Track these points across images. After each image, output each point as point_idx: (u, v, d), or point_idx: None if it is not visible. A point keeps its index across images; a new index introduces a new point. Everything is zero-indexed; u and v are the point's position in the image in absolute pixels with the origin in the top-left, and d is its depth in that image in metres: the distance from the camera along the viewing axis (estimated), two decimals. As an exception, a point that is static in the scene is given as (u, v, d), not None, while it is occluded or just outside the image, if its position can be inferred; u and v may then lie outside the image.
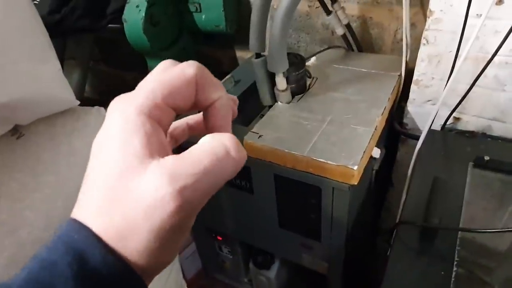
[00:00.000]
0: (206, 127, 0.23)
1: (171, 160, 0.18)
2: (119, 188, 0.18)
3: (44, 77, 0.43)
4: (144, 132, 0.19)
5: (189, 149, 0.19)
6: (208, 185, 0.19)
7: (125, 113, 0.19)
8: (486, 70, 0.63)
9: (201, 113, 0.25)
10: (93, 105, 0.54)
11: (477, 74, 0.64)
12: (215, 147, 0.19)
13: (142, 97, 0.20)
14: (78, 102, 0.49)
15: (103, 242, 0.18)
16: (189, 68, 0.21)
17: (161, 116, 0.20)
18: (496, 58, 0.61)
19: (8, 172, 0.41)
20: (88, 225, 0.18)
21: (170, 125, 0.21)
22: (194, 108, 0.22)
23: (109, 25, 1.01)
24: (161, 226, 0.18)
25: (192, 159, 0.19)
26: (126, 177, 0.18)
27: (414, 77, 0.74)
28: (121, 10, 0.93)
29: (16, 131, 0.43)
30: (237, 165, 0.20)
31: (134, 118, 0.19)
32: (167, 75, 0.20)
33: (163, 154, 0.19)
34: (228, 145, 0.19)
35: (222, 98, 0.22)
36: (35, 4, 0.92)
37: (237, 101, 0.25)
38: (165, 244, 0.18)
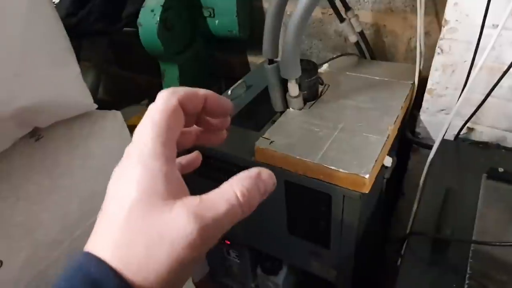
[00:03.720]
0: (215, 118, 0.27)
1: (195, 201, 0.21)
2: (143, 224, 0.20)
3: (64, 81, 0.43)
4: (164, 175, 0.21)
5: (210, 193, 0.22)
6: (224, 226, 0.22)
7: (142, 159, 0.21)
8: (501, 81, 0.62)
9: (193, 153, 0.30)
10: (106, 107, 0.54)
11: (492, 84, 0.63)
12: (230, 195, 0.22)
13: (151, 142, 0.22)
14: (96, 106, 0.50)
15: (119, 274, 0.19)
16: (170, 99, 0.23)
17: (170, 154, 0.22)
18: (512, 68, 0.60)
19: (26, 174, 0.42)
20: (105, 259, 0.19)
21: (175, 157, 0.23)
22: (188, 124, 0.26)
23: (124, 28, 1.02)
24: (184, 258, 0.20)
25: (213, 204, 0.21)
26: (150, 215, 0.20)
27: (428, 86, 0.74)
28: (136, 14, 0.95)
29: (35, 133, 0.44)
30: (246, 212, 0.23)
31: (151, 163, 0.21)
32: (156, 115, 0.23)
33: (182, 192, 0.22)
34: (239, 195, 0.22)
35: (209, 93, 0.26)
36: (53, 7, 0.93)
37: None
38: (181, 274, 0.21)
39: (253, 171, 0.24)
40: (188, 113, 0.24)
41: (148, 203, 0.20)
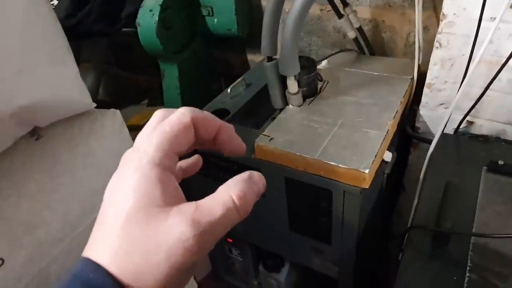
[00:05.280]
0: (226, 153, 0.27)
1: (191, 208, 0.21)
2: (140, 232, 0.20)
3: (63, 80, 0.44)
4: (161, 183, 0.21)
5: (206, 198, 0.22)
6: (220, 230, 0.22)
7: (141, 166, 0.22)
8: (500, 74, 0.62)
9: (193, 157, 0.30)
10: (106, 107, 0.55)
11: (491, 78, 0.63)
12: (226, 200, 0.22)
13: (153, 151, 0.22)
14: (95, 105, 0.50)
15: (118, 281, 0.20)
16: (185, 115, 0.23)
17: (170, 163, 0.23)
18: (510, 61, 0.60)
19: (27, 172, 0.43)
20: (104, 265, 0.20)
21: (175, 168, 0.24)
22: (200, 146, 0.26)
23: (123, 29, 1.03)
24: (181, 265, 0.20)
25: (208, 209, 0.21)
26: (147, 222, 0.20)
27: (427, 81, 0.74)
28: (135, 14, 0.95)
29: (35, 132, 0.45)
30: (242, 215, 0.23)
31: (150, 171, 0.21)
32: (168, 127, 0.23)
33: (178, 199, 0.22)
34: (235, 199, 0.22)
35: (223, 125, 0.26)
36: (52, 8, 0.94)
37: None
38: (181, 279, 0.21)
39: (245, 174, 0.24)
40: (200, 136, 0.25)
41: (144, 210, 0.20)
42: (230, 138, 0.26)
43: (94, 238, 0.21)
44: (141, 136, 0.23)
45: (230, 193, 0.22)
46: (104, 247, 0.20)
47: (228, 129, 0.26)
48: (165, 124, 0.23)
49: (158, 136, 0.22)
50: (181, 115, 0.23)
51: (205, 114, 0.25)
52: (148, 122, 0.24)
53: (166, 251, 0.20)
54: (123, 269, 0.20)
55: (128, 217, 0.20)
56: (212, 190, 0.23)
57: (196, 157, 0.31)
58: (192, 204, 0.22)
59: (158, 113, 0.24)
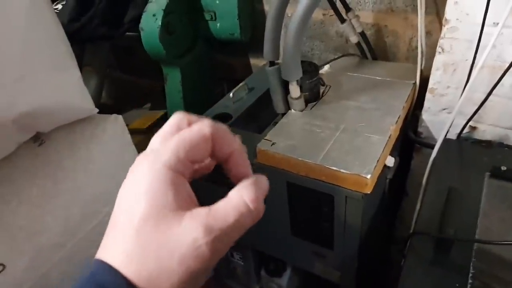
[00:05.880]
0: (230, 175, 0.26)
1: (204, 213, 0.21)
2: (153, 237, 0.20)
3: (65, 86, 0.44)
4: (174, 186, 0.21)
5: (218, 203, 0.22)
6: (233, 236, 0.22)
7: (155, 169, 0.22)
8: (503, 79, 0.62)
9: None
10: (109, 111, 0.55)
11: (494, 83, 0.63)
12: (239, 204, 0.22)
13: (168, 154, 0.22)
14: (97, 110, 0.50)
15: (132, 284, 0.20)
16: (206, 127, 0.24)
17: (184, 170, 0.23)
18: (513, 67, 0.60)
19: (29, 178, 0.43)
20: (118, 268, 0.20)
21: (190, 176, 0.24)
22: (212, 159, 0.26)
23: (127, 33, 1.03)
24: (194, 271, 0.20)
25: (222, 214, 0.22)
26: (160, 227, 0.20)
27: (429, 86, 0.74)
28: (138, 18, 0.96)
29: (38, 138, 0.45)
30: (255, 218, 0.23)
31: (163, 174, 0.21)
32: (187, 134, 0.23)
33: (191, 204, 0.22)
34: (249, 203, 0.23)
35: (238, 149, 0.26)
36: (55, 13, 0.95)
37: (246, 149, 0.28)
38: (193, 283, 0.21)
39: (253, 178, 0.24)
40: (215, 152, 0.25)
41: (157, 214, 0.21)
42: (238, 164, 0.26)
43: (107, 241, 0.21)
44: (156, 139, 0.23)
45: (243, 197, 0.22)
46: (117, 251, 0.20)
47: (239, 156, 0.26)
48: (185, 131, 0.23)
49: (176, 142, 0.22)
50: (204, 126, 0.23)
51: (225, 133, 0.25)
52: (165, 125, 0.24)
53: (179, 257, 0.20)
54: (137, 273, 0.20)
55: (141, 222, 0.20)
56: (217, 196, 0.23)
57: (208, 160, 0.30)
58: (205, 209, 0.22)
59: (176, 117, 0.24)
